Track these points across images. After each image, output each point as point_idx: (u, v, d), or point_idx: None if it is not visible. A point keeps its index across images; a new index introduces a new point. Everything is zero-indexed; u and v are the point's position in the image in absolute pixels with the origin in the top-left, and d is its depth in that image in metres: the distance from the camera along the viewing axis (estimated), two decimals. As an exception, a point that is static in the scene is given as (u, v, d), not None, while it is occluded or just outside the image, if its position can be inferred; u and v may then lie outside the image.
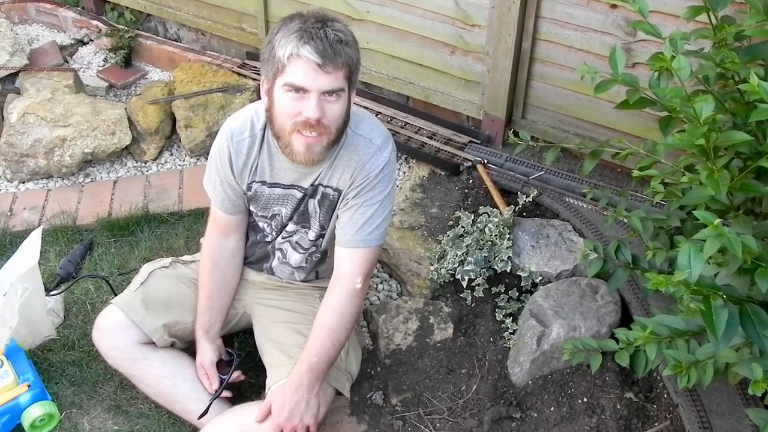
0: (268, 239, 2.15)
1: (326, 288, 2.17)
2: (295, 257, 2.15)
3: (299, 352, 1.95)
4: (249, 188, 2.02)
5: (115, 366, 2.14)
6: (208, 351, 2.13)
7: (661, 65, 1.56)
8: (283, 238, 2.12)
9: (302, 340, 2.00)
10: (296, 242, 2.12)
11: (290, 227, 2.09)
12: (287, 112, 1.76)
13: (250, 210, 2.11)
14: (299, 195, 2.00)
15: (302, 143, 1.80)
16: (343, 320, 1.94)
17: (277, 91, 1.76)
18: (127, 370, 2.12)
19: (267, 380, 2.00)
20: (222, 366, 2.14)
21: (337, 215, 2.01)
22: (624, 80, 1.72)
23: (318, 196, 2.00)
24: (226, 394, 2.10)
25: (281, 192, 2.01)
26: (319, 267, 2.20)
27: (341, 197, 1.97)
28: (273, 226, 2.11)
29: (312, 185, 1.98)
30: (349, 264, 1.96)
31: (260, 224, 2.13)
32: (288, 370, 1.93)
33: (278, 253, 2.17)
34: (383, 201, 1.96)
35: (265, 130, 1.94)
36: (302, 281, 2.22)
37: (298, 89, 1.72)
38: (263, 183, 2.01)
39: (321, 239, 2.10)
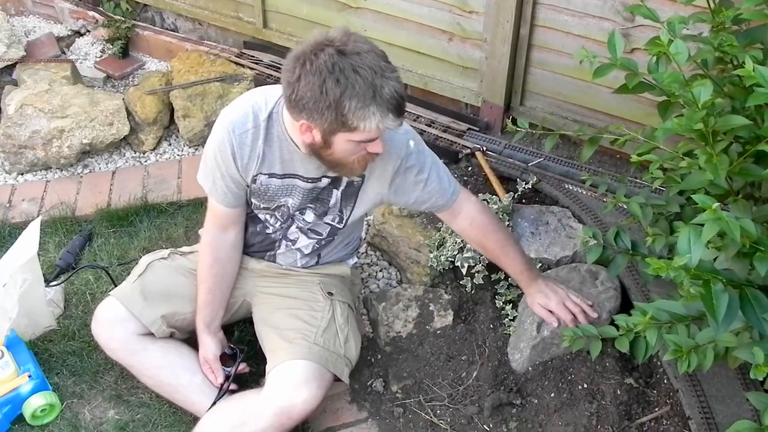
0: (269, 230, 2.13)
1: (326, 274, 2.20)
2: (304, 242, 2.14)
3: (296, 336, 1.96)
4: (254, 180, 1.97)
5: (114, 358, 2.14)
6: (210, 345, 2.13)
7: (659, 50, 1.55)
8: (298, 227, 2.10)
9: (301, 325, 2.00)
10: (309, 229, 2.11)
11: (310, 217, 2.06)
12: (353, 152, 1.77)
13: (248, 202, 2.08)
14: (309, 186, 1.97)
15: (364, 166, 1.86)
16: (500, 224, 2.18)
17: (339, 141, 1.73)
18: (126, 362, 2.12)
19: (267, 366, 2.00)
20: (225, 359, 2.14)
21: (374, 204, 2.07)
22: (623, 64, 1.71)
23: (342, 185, 1.99)
24: (231, 387, 2.11)
25: (289, 183, 1.97)
26: (322, 250, 2.19)
27: (363, 182, 1.99)
28: (278, 217, 2.08)
29: (327, 176, 1.96)
30: (465, 202, 2.09)
31: (261, 216, 2.10)
32: (286, 353, 1.94)
33: (288, 242, 2.15)
34: (428, 162, 2.00)
35: (268, 120, 1.89)
36: (303, 267, 2.21)
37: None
38: (272, 175, 1.96)
39: (340, 223, 2.09)
